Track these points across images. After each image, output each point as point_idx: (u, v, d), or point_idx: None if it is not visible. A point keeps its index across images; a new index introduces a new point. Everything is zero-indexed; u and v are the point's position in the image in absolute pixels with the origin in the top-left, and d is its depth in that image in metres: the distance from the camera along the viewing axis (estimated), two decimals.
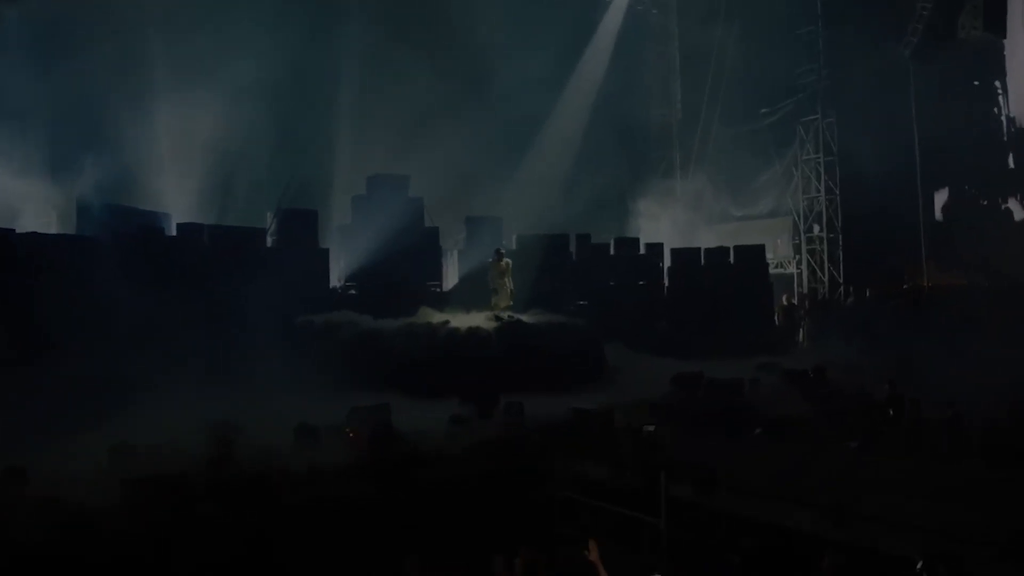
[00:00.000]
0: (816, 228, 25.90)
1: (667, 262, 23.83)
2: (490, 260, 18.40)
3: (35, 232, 14.01)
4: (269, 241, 19.00)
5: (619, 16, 28.32)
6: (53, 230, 15.81)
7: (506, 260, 18.23)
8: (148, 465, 9.17)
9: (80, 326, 12.46)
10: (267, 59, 19.42)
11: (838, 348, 20.29)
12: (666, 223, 27.66)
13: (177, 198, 18.06)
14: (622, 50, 27.90)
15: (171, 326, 13.65)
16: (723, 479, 9.76)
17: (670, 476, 9.55)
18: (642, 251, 23.71)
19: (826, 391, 15.78)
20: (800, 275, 26.56)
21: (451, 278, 22.15)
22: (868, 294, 23.94)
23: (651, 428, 10.31)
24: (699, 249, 23.97)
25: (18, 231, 13.44)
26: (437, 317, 16.80)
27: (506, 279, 17.95)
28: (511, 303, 17.91)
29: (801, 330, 24.84)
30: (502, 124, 24.27)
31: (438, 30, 22.66)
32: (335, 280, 19.98)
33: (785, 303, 25.56)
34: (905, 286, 23.76)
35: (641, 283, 23.02)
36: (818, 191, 25.73)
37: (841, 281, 25.29)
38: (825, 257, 25.56)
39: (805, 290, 26.16)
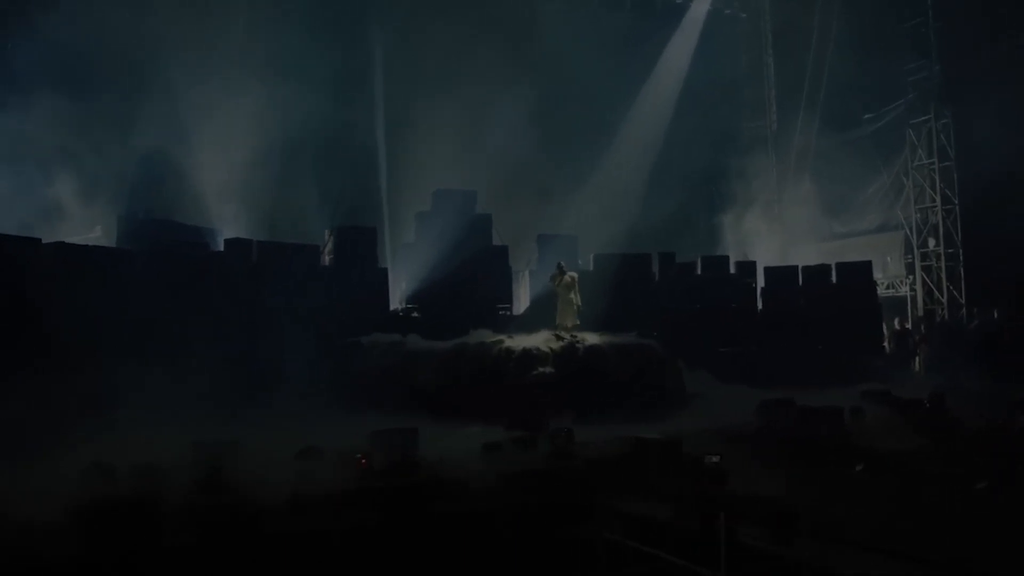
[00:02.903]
0: (932, 243, 23.79)
1: (760, 282, 21.87)
2: (551, 275, 16.98)
3: (62, 242, 13.62)
4: (326, 259, 18.22)
5: (699, 21, 26.68)
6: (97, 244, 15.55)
7: (569, 274, 16.81)
8: (123, 487, 8.14)
9: (99, 338, 11.84)
10: (326, 67, 19.03)
11: (961, 377, 17.82)
12: (760, 240, 25.64)
13: (230, 213, 17.67)
14: (708, 56, 26.23)
15: (203, 341, 12.91)
16: (807, 523, 8.03)
17: (742, 517, 7.90)
18: (732, 270, 21.91)
19: (946, 423, 13.70)
20: (914, 296, 24.29)
21: (523, 301, 20.77)
22: (996, 315, 21.28)
23: (715, 459, 8.57)
24: (796, 267, 21.91)
25: (45, 241, 13.04)
26: (491, 337, 15.46)
27: (572, 295, 16.45)
28: (578, 322, 16.39)
29: (917, 358, 22.40)
30: (576, 134, 23.13)
31: (507, 39, 21.71)
32: (396, 302, 19.00)
33: (898, 327, 23.39)
34: None
35: (732, 305, 21.16)
36: (933, 201, 23.72)
37: (963, 302, 23.06)
38: (943, 275, 23.40)
39: (921, 312, 23.89)
